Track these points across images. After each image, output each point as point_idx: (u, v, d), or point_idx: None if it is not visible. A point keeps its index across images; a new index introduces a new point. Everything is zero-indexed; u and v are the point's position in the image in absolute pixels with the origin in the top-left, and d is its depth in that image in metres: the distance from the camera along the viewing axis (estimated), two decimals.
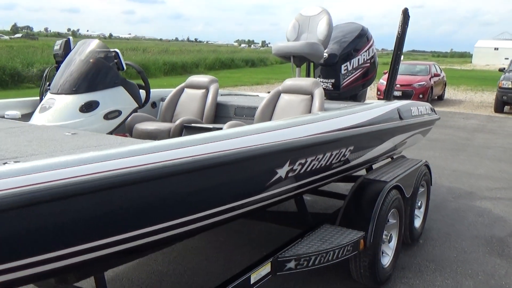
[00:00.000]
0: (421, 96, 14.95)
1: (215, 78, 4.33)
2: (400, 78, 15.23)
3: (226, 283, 2.31)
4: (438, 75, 16.72)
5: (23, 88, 17.88)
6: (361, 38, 5.25)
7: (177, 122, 3.66)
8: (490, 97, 18.37)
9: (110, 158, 1.71)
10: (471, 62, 78.18)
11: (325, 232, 2.97)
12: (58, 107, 3.00)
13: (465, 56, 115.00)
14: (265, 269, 2.51)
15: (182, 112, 4.21)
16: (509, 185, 6.15)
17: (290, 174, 2.46)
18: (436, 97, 17.14)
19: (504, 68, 15.49)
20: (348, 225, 3.11)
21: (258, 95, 5.34)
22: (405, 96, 14.47)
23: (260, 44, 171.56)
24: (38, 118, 3.01)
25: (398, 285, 3.40)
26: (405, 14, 5.30)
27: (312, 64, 5.06)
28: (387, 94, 5.13)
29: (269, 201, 2.51)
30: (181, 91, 4.35)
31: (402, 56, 5.63)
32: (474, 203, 5.36)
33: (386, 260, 3.42)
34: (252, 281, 2.41)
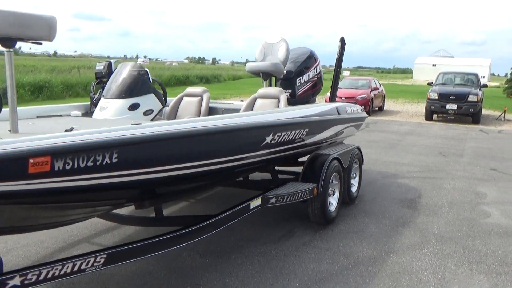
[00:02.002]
0: (363, 107, 17.08)
1: (206, 89, 5.92)
2: (345, 92, 17.39)
3: (237, 205, 3.88)
4: (377, 89, 19.03)
5: None
6: (310, 59, 7.03)
7: (185, 119, 5.22)
8: (424, 108, 20.89)
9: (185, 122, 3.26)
10: (412, 77, 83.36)
11: (292, 185, 4.64)
12: (114, 107, 4.51)
13: (407, 72, 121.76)
14: (258, 201, 4.10)
15: (182, 115, 5.76)
16: (423, 169, 8.09)
17: (272, 142, 4.10)
18: (377, 108, 19.40)
19: (432, 82, 17.96)
20: (306, 181, 4.78)
21: (233, 103, 6.97)
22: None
23: (210, 61, 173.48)
24: (99, 115, 4.50)
25: (340, 224, 5.10)
26: (342, 42, 7.18)
27: (274, 78, 6.76)
28: (331, 98, 6.95)
29: (260, 158, 4.12)
30: (180, 99, 5.89)
31: (343, 72, 7.51)
32: (396, 180, 7.22)
33: (332, 208, 5.11)
34: (251, 207, 3.99)
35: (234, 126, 3.60)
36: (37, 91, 22.03)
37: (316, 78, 7.05)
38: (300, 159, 5.62)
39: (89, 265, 2.73)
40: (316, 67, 7.10)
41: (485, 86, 17.45)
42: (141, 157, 2.85)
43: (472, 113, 15.72)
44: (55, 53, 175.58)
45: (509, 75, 33.72)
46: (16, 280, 2.46)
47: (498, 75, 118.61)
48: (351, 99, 17.22)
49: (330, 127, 5.39)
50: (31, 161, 2.27)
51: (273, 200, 4.25)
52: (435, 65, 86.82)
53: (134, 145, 2.77)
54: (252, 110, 5.42)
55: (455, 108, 15.70)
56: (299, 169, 5.23)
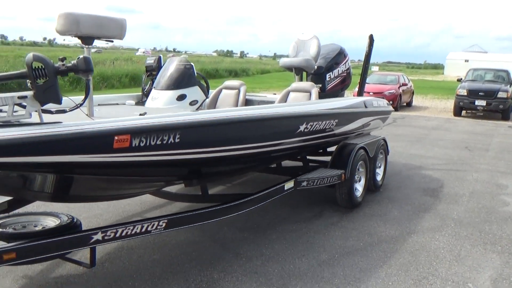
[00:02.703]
0: (391, 102, 17.30)
1: (243, 82, 6.43)
2: (373, 87, 17.63)
3: (273, 186, 4.37)
4: (406, 84, 19.19)
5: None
6: (340, 55, 7.45)
7: (233, 108, 5.75)
8: (452, 103, 20.92)
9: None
10: (443, 73, 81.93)
11: (322, 170, 5.11)
12: (164, 97, 5.08)
13: (438, 67, 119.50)
14: (291, 184, 4.59)
15: (221, 105, 6.28)
16: (447, 162, 8.41)
17: (305, 130, 4.58)
18: (405, 104, 19.56)
19: (462, 78, 18.01)
20: (334, 167, 5.25)
21: (266, 96, 7.46)
22: None
23: (238, 55, 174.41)
24: (151, 104, 5.07)
25: (365, 208, 5.54)
26: (371, 39, 7.59)
27: (305, 73, 7.21)
28: (359, 93, 7.37)
29: (293, 145, 4.61)
30: (219, 91, 6.41)
31: (372, 67, 7.93)
32: (420, 172, 7.59)
33: (358, 193, 5.55)
34: (285, 188, 4.49)
35: (273, 115, 4.10)
36: (75, 82, 23.02)
37: (345, 74, 7.48)
38: (328, 149, 6.08)
39: (154, 227, 3.28)
40: (345, 63, 7.52)
41: None
42: (197, 139, 3.39)
43: (502, 109, 15.77)
44: None
45: None
46: (99, 236, 3.04)
47: None
48: (379, 94, 17.48)
49: (357, 119, 5.83)
50: (116, 138, 2.82)
51: (304, 183, 4.73)
52: (467, 60, 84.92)
53: (193, 128, 3.30)
54: (285, 102, 5.90)
55: (484, 104, 15.78)
56: (326, 159, 5.69)
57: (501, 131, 13.09)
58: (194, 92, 5.29)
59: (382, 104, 6.83)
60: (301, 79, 7.45)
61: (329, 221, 5.05)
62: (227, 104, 6.24)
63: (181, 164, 3.47)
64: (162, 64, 5.72)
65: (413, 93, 20.68)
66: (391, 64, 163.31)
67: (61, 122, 2.68)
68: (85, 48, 3.63)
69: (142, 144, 3.00)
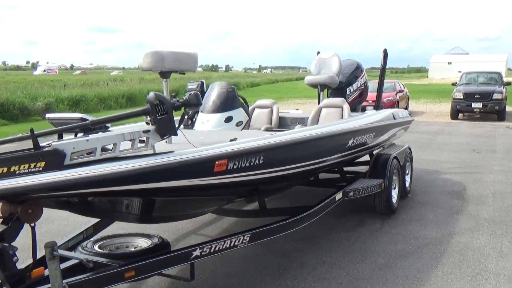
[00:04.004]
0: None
1: (274, 101, 6.79)
2: (371, 95, 18.11)
3: (327, 197, 4.73)
4: (402, 91, 19.77)
5: (31, 121, 19.31)
6: (357, 69, 7.88)
7: (263, 128, 6.12)
8: (447, 107, 21.50)
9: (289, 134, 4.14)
10: (427, 76, 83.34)
11: (363, 180, 5.49)
12: (213, 120, 5.42)
13: (422, 71, 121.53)
14: (340, 194, 4.95)
15: (256, 124, 6.61)
16: (461, 165, 8.86)
17: (352, 144, 4.97)
18: (392, 108, 20.14)
19: (456, 82, 18.64)
20: (372, 177, 5.63)
21: (294, 111, 7.83)
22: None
23: (224, 69, 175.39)
24: (201, 127, 5.41)
25: (401, 213, 5.92)
26: (385, 53, 8.07)
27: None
28: (377, 106, 7.82)
29: (341, 159, 4.99)
30: (253, 111, 6.76)
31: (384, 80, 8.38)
32: (439, 176, 8.01)
33: (394, 200, 5.94)
34: (336, 199, 4.85)
35: (333, 132, 4.51)
36: (74, 105, 23.16)
37: (362, 87, 7.91)
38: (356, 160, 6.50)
39: (240, 242, 3.62)
40: (362, 77, 7.96)
41: (509, 83, 18.06)
42: (277, 159, 3.75)
43: (498, 110, 16.38)
44: (72, 66, 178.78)
45: None
46: (197, 252, 3.36)
47: None
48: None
49: (389, 130, 6.24)
50: (217, 162, 3.17)
51: (351, 194, 5.10)
52: (450, 63, 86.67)
53: (276, 149, 3.67)
54: (318, 118, 6.28)
55: (481, 106, 16.38)
56: (355, 169, 6.05)
57: (501, 132, 13.64)
58: (239, 114, 5.64)
59: (404, 114, 7.26)
60: (319, 94, 7.90)
61: (372, 228, 5.41)
62: (262, 123, 6.59)
63: (258, 183, 3.81)
64: (204, 88, 6.08)
65: (408, 98, 21.27)
66: (375, 70, 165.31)
67: (173, 152, 3.02)
68: (163, 82, 3.98)
69: (235, 167, 3.34)
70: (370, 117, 5.67)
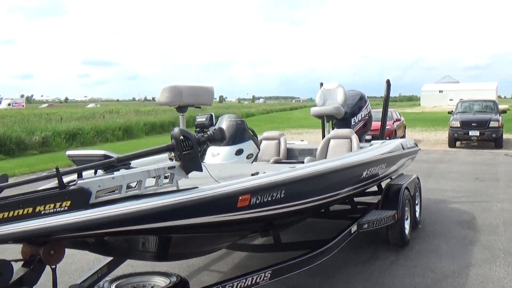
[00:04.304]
0: (387, 138, 17.90)
1: (282, 133, 6.78)
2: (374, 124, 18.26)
3: (343, 231, 4.65)
4: (399, 120, 19.91)
5: (28, 155, 19.08)
6: (361, 100, 7.94)
7: (272, 160, 6.08)
8: (443, 135, 21.70)
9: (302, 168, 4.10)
10: (419, 104, 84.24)
11: (376, 212, 5.42)
12: (223, 153, 5.38)
13: (413, 99, 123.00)
14: (355, 227, 4.88)
15: (264, 156, 6.59)
16: (467, 194, 8.82)
17: (366, 175, 4.93)
18: (399, 138, 20.24)
19: (452, 111, 18.81)
20: (385, 208, 5.56)
21: (302, 143, 7.81)
22: (375, 139, 17.38)
23: (218, 99, 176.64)
24: (212, 160, 5.36)
25: (414, 245, 5.83)
26: (388, 84, 8.15)
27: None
28: (381, 135, 7.86)
29: (354, 191, 4.94)
30: (260, 142, 6.74)
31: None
32: (447, 205, 7.96)
33: (406, 231, 5.86)
34: (352, 231, 4.77)
35: (352, 163, 4.48)
36: (71, 138, 23.04)
37: (366, 117, 7.95)
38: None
39: (261, 279, 3.52)
40: (366, 107, 8.01)
41: (504, 111, 18.25)
42: (297, 192, 3.70)
43: (495, 138, 16.49)
44: (66, 99, 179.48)
45: None
46: None
47: (505, 97, 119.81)
48: (376, 131, 18.06)
49: (398, 160, 6.23)
50: (240, 198, 3.11)
51: (366, 226, 5.03)
52: (441, 91, 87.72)
53: (295, 183, 3.62)
54: (327, 149, 6.26)
55: (478, 134, 16.48)
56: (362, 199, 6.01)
57: (501, 160, 13.69)
58: (249, 146, 5.61)
59: (412, 144, 7.26)
60: (323, 125, 7.91)
61: (387, 261, 5.31)
62: (270, 155, 6.56)
63: (277, 217, 3.75)
64: (213, 121, 6.06)
65: (405, 127, 21.41)
66: (368, 98, 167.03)
67: (197, 187, 2.96)
68: (180, 116, 3.96)
69: (257, 202, 3.28)
70: (382, 147, 5.67)
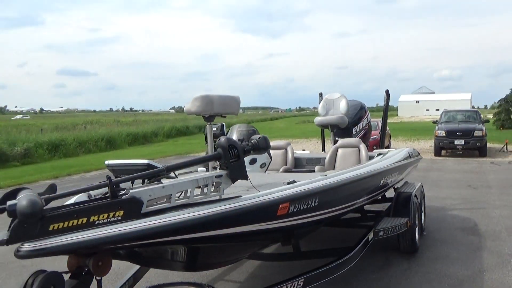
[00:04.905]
0: (374, 147, 18.16)
1: (289, 142, 6.81)
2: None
3: (362, 238, 4.68)
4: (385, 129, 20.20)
5: (10, 166, 18.61)
6: (362, 110, 8.08)
7: (281, 169, 6.09)
8: (426, 144, 22.12)
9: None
10: (397, 115, 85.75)
11: (389, 219, 5.48)
12: None
13: (390, 109, 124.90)
14: (372, 234, 4.92)
15: (272, 165, 6.59)
16: (464, 201, 9.00)
17: (383, 183, 4.99)
18: (385, 148, 20.52)
19: (437, 120, 19.20)
20: (396, 215, 5.63)
21: (304, 151, 7.85)
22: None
23: None
24: None
25: (424, 251, 5.90)
26: (387, 94, 8.30)
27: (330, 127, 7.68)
28: (381, 145, 8.00)
29: (374, 196, 5.00)
30: None
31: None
32: (447, 213, 8.09)
33: (416, 238, 5.93)
34: (369, 238, 4.81)
35: (375, 172, 4.55)
36: (54, 149, 22.58)
37: (367, 127, 8.08)
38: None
39: (295, 286, 3.51)
40: (366, 117, 8.15)
41: (487, 121, 18.72)
42: (328, 201, 3.71)
43: (479, 147, 16.88)
44: (42, 110, 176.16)
45: (490, 108, 35.55)
46: None
47: (478, 107, 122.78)
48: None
49: (407, 168, 6.32)
50: (281, 206, 3.11)
51: (381, 233, 5.08)
52: (418, 101, 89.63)
53: (328, 191, 3.64)
54: (336, 158, 6.32)
55: (463, 143, 16.86)
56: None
57: (488, 168, 14.01)
58: (262, 156, 5.62)
59: (416, 153, 7.39)
60: (323, 134, 8.00)
61: (401, 268, 5.36)
62: (278, 164, 6.57)
63: (307, 225, 3.76)
64: (224, 131, 6.05)
65: (390, 136, 21.74)
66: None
67: (241, 196, 2.95)
68: (207, 125, 3.94)
69: (295, 210, 3.29)
70: (395, 156, 5.76)
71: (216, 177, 2.84)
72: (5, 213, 2.23)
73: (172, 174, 2.91)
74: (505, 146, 18.45)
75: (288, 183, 3.54)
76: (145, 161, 3.03)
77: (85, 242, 2.28)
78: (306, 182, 3.51)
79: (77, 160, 20.85)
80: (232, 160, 2.86)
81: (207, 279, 5.19)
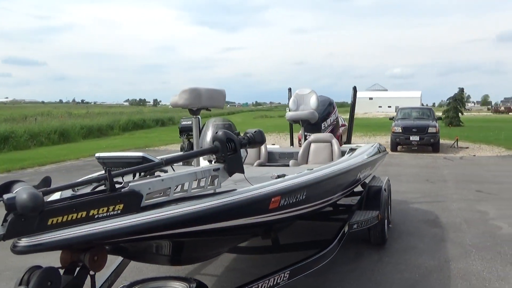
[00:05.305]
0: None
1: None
2: None
3: (339, 231, 4.81)
4: (344, 125, 20.60)
5: None
6: (330, 106, 8.24)
7: (256, 163, 6.13)
8: (381, 140, 22.78)
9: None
10: None
11: (361, 213, 5.64)
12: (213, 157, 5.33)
13: (345, 105, 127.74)
14: (346, 227, 5.06)
15: (246, 159, 6.61)
16: (423, 195, 9.39)
17: (361, 177, 5.13)
18: (343, 143, 21.02)
19: (393, 117, 19.85)
20: (368, 209, 5.80)
21: (281, 148, 7.91)
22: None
23: (152, 103, 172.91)
24: (204, 164, 5.29)
25: (393, 243, 6.13)
26: (354, 90, 8.53)
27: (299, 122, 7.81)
28: (348, 140, 8.21)
29: (347, 193, 5.12)
30: None
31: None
32: (409, 206, 8.42)
33: (386, 231, 6.14)
34: (345, 231, 4.94)
35: (356, 165, 4.68)
36: (3, 142, 21.55)
37: (335, 123, 8.27)
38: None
39: (281, 279, 3.57)
40: (334, 113, 8.32)
41: (440, 118, 19.56)
42: (313, 194, 3.79)
43: (433, 143, 17.62)
44: None
45: (438, 106, 37.19)
46: None
47: (427, 104, 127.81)
48: None
49: (377, 162, 6.53)
50: (273, 199, 3.14)
51: (355, 226, 5.22)
52: (371, 98, 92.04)
53: (315, 185, 3.71)
54: (308, 153, 6.42)
55: (418, 139, 17.54)
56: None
57: (442, 163, 14.66)
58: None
59: (383, 148, 7.63)
60: (291, 129, 8.12)
61: (373, 259, 5.55)
62: (251, 158, 6.60)
63: (296, 218, 3.83)
64: (199, 124, 5.99)
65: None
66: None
67: (236, 190, 2.96)
68: (193, 118, 3.90)
69: (285, 203, 3.34)
70: (368, 150, 5.93)
71: (214, 170, 2.83)
72: None
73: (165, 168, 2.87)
74: (456, 143, 19.33)
75: (278, 177, 3.59)
76: (139, 153, 2.97)
77: (87, 236, 2.22)
78: (296, 176, 3.57)
79: (28, 153, 20.00)
80: (229, 154, 2.86)
81: (184, 274, 5.16)
